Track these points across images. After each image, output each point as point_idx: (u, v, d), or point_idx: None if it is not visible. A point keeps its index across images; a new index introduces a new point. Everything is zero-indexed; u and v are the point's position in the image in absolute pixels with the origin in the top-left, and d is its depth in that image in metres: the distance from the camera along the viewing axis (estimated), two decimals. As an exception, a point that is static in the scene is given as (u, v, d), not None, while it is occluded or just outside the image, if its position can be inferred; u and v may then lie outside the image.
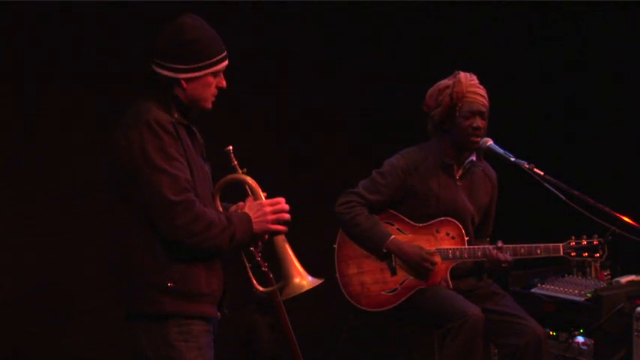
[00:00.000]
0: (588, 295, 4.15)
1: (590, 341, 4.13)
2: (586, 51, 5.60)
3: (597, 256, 3.87)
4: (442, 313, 3.77)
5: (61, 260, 4.51)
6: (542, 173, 3.68)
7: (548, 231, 4.00)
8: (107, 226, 2.83)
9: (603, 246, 3.84)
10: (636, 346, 3.90)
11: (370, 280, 3.96)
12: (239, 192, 2.96)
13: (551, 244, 3.86)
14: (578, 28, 5.66)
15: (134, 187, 2.71)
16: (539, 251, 3.87)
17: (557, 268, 4.53)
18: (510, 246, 3.87)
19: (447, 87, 3.92)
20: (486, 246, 3.94)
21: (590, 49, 5.57)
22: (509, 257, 3.84)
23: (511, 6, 5.75)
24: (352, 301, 3.98)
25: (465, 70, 3.95)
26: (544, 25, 5.87)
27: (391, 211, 4.00)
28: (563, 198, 3.58)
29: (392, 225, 3.99)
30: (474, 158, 4.03)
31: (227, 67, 2.88)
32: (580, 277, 4.42)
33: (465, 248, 3.92)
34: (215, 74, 2.85)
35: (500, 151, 3.84)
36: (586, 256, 3.89)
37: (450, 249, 3.92)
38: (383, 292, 3.94)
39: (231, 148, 2.93)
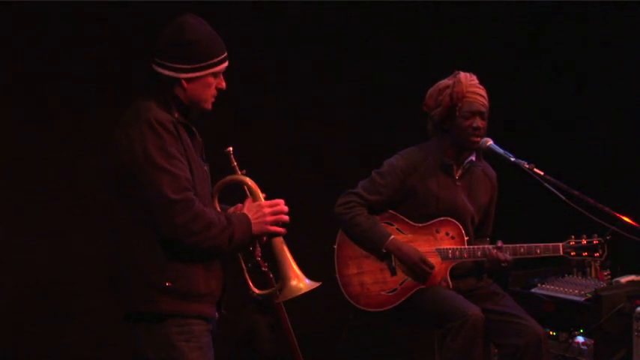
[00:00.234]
0: (588, 295, 4.15)
1: (590, 341, 4.13)
2: (586, 51, 5.60)
3: (597, 256, 3.86)
4: (442, 313, 3.76)
5: (61, 260, 4.51)
6: (542, 173, 3.68)
7: (548, 231, 3.99)
8: (107, 226, 2.82)
9: (603, 245, 3.83)
10: (636, 346, 3.91)
11: (370, 280, 3.95)
12: (238, 193, 2.95)
13: (550, 244, 3.86)
14: (578, 28, 5.65)
15: (134, 186, 2.71)
16: (538, 251, 3.86)
17: (557, 268, 4.52)
18: (510, 246, 3.86)
19: (447, 87, 3.92)
20: (486, 246, 3.93)
21: (591, 49, 5.56)
22: (509, 257, 3.84)
23: (511, 6, 5.75)
24: (352, 302, 3.97)
25: (465, 70, 3.95)
26: (544, 25, 5.87)
27: (391, 211, 4.00)
28: (563, 198, 3.58)
29: (392, 225, 3.99)
30: (474, 158, 4.03)
31: (227, 67, 2.88)
32: (580, 277, 4.42)
33: (464, 248, 3.91)
34: (215, 75, 2.85)
35: (500, 151, 3.83)
36: (586, 256, 3.88)
37: (450, 249, 3.91)
38: (383, 292, 3.94)
39: (231, 149, 2.93)
